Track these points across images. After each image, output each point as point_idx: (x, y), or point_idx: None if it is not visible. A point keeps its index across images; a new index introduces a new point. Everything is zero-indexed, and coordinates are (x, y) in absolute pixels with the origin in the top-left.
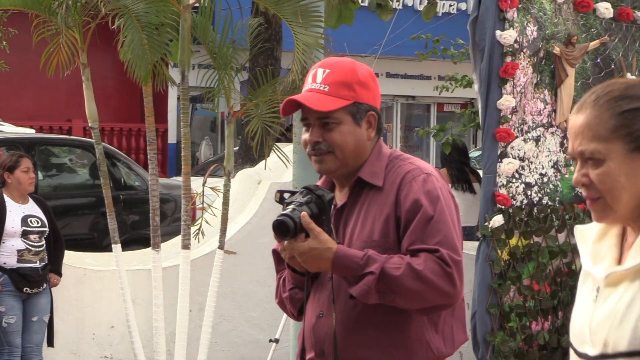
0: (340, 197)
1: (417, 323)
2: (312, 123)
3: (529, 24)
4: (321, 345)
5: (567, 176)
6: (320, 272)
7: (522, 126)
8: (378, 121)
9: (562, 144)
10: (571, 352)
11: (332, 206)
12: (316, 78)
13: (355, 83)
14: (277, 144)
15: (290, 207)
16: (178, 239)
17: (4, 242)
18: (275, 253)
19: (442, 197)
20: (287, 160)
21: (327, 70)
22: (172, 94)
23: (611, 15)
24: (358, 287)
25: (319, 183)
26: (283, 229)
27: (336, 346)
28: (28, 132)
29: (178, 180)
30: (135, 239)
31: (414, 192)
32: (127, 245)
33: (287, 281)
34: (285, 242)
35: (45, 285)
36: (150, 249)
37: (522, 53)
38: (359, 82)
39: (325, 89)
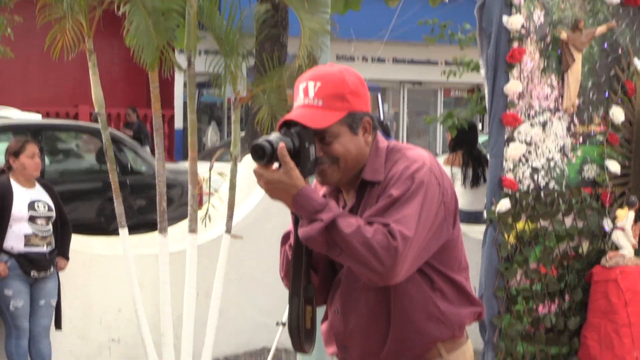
0: (348, 199)
1: (424, 305)
2: None
3: (535, 9)
4: (342, 341)
5: (573, 161)
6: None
7: (528, 111)
8: (373, 123)
9: (569, 129)
10: None
11: (342, 207)
12: (308, 92)
13: (347, 93)
14: None
15: (274, 134)
16: (185, 224)
17: (11, 227)
18: (283, 237)
19: (419, 183)
20: None
21: (319, 84)
22: (179, 80)
23: (618, 1)
24: (305, 230)
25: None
26: (260, 152)
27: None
28: (35, 117)
29: (184, 165)
30: (142, 224)
31: (394, 179)
32: (134, 230)
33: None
34: (257, 166)
35: (52, 269)
36: (157, 233)
37: (529, 38)
38: (350, 92)
39: (319, 104)
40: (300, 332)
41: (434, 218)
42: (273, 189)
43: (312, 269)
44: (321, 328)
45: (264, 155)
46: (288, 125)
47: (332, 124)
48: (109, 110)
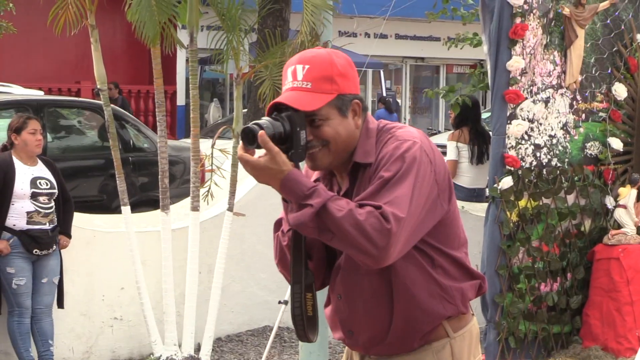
0: (342, 183)
1: (426, 283)
2: None
3: None
4: (348, 326)
5: (576, 138)
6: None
7: (531, 87)
8: (363, 105)
9: (571, 106)
10: None
11: (337, 191)
12: (296, 75)
13: (336, 75)
14: None
15: (265, 118)
16: (187, 201)
17: (13, 204)
18: (276, 223)
19: (410, 162)
20: None
21: (307, 66)
22: (181, 56)
23: None
24: (295, 215)
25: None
26: (250, 136)
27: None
28: (36, 94)
29: (187, 142)
30: (145, 201)
31: (384, 160)
32: (136, 207)
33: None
34: (242, 152)
35: (54, 247)
36: (159, 210)
37: (531, 14)
38: (339, 74)
39: (308, 86)
40: (304, 320)
41: (427, 195)
42: (259, 175)
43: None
44: (325, 313)
45: (254, 140)
46: (279, 109)
47: (321, 107)
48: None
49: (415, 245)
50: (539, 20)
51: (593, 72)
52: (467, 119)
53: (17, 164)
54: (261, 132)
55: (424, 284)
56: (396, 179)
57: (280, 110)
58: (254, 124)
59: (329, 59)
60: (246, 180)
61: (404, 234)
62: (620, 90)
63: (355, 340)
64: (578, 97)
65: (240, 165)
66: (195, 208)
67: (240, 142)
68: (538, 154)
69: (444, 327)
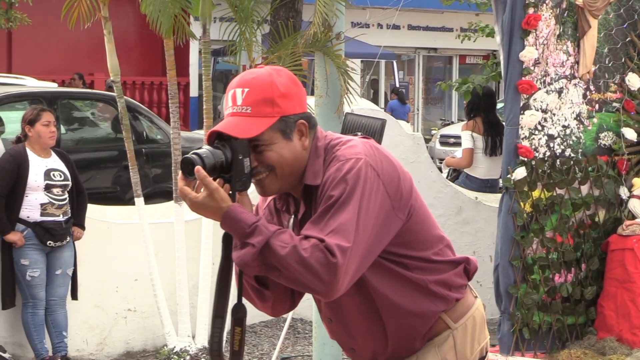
0: (300, 204)
1: (408, 288)
2: None
3: None
4: (348, 345)
5: (589, 128)
6: None
7: (544, 78)
8: (310, 123)
9: (584, 96)
10: None
11: (294, 215)
12: (236, 100)
13: (277, 97)
14: None
15: (204, 148)
16: None
17: (27, 196)
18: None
19: (353, 182)
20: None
21: (246, 90)
22: (194, 48)
23: None
24: (238, 255)
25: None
26: (189, 168)
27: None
28: (50, 85)
29: (200, 133)
30: (158, 193)
31: (327, 183)
32: (149, 199)
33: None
34: (182, 184)
35: (68, 238)
36: (172, 202)
37: (544, 4)
38: (280, 95)
39: (248, 111)
40: (229, 355)
41: (378, 212)
42: (199, 211)
43: (261, 285)
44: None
45: (193, 171)
46: (221, 135)
47: (262, 132)
48: (124, 78)
49: (383, 256)
50: (551, 11)
51: (606, 62)
52: (478, 108)
53: (31, 156)
54: (197, 167)
55: (405, 290)
56: (340, 204)
57: (222, 137)
58: (194, 153)
59: (269, 80)
60: None
61: (353, 263)
62: (633, 80)
63: (359, 356)
64: (591, 88)
65: None
66: None
67: (180, 172)
68: (551, 145)
69: (443, 320)
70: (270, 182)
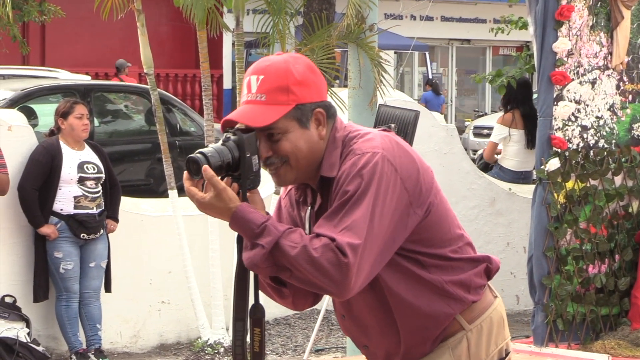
0: (317, 195)
1: (422, 287)
2: (258, 137)
3: None
4: (362, 342)
5: (623, 119)
6: None
7: (577, 69)
8: (328, 112)
9: (618, 87)
10: None
11: (310, 207)
12: (251, 87)
13: (292, 85)
14: (332, 89)
15: (210, 146)
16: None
17: (60, 189)
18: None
19: (369, 177)
20: (343, 105)
21: (261, 77)
22: (227, 40)
23: None
24: (248, 256)
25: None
26: (194, 167)
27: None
28: (83, 78)
29: None
30: None
31: (342, 178)
32: (183, 191)
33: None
34: (188, 184)
35: (102, 231)
36: None
37: None
38: (296, 83)
39: (262, 99)
40: (251, 358)
41: (395, 207)
42: (207, 211)
43: (277, 283)
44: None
45: (199, 171)
46: (233, 124)
47: (276, 120)
48: (157, 71)
49: (398, 253)
50: (584, 2)
51: (639, 53)
52: (515, 100)
53: (65, 148)
54: (205, 167)
55: (419, 290)
56: (354, 200)
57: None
58: (199, 152)
59: (285, 67)
60: None
61: (367, 260)
62: None
63: (373, 354)
64: (625, 78)
65: None
66: None
67: (185, 171)
68: (585, 136)
69: (458, 321)
70: (286, 172)
